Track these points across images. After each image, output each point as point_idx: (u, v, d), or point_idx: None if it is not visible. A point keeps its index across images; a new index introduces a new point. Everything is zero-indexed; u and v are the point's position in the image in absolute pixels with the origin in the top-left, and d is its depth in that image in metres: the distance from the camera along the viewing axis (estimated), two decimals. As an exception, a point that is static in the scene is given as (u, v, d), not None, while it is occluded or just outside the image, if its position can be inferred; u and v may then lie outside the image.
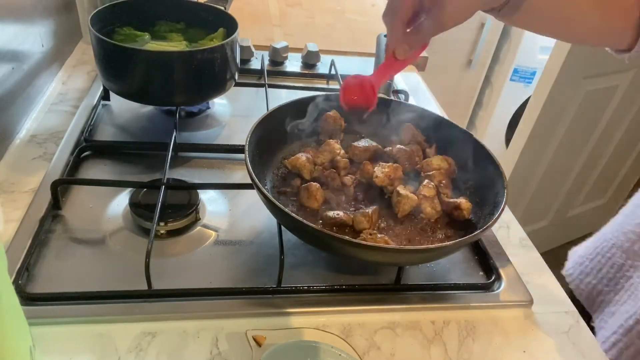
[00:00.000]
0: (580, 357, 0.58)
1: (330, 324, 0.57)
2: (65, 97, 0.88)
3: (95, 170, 0.74)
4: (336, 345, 0.53)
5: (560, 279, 0.77)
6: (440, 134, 0.74)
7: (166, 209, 0.64)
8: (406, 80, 1.10)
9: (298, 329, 0.55)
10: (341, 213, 0.61)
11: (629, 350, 0.64)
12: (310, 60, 1.08)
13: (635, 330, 0.64)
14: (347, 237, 0.52)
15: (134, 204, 0.65)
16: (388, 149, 0.72)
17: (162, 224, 0.63)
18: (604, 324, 0.70)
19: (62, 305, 0.53)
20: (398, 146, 0.71)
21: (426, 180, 0.66)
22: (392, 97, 0.80)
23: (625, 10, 0.56)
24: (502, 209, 0.59)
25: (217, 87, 0.80)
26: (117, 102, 0.87)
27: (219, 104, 0.93)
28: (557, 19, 0.57)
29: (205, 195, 0.70)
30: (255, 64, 1.04)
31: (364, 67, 1.09)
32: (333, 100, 0.73)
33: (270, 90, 0.91)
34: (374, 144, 0.72)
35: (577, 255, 0.81)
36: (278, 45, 1.06)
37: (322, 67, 1.08)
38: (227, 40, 0.76)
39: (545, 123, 1.63)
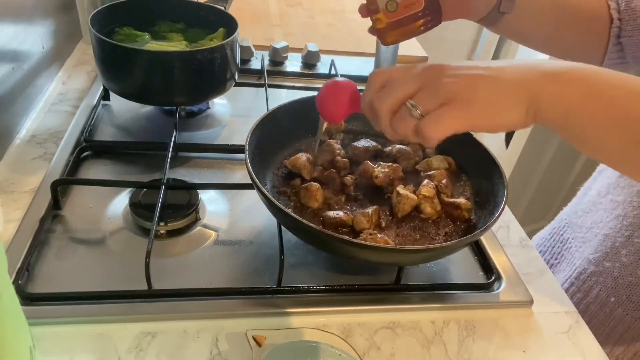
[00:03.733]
0: (580, 357, 0.58)
1: (330, 324, 0.57)
2: (65, 97, 0.88)
3: (95, 170, 0.74)
4: (336, 345, 0.53)
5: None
6: (440, 134, 0.74)
7: (166, 209, 0.64)
8: (406, 80, 1.10)
9: (298, 329, 0.55)
10: (341, 213, 0.61)
11: None
12: (310, 60, 1.08)
13: (569, 292, 0.76)
14: (347, 237, 0.52)
15: (134, 204, 0.65)
16: (388, 149, 0.72)
17: (162, 224, 0.63)
18: None
19: (62, 305, 0.53)
20: (398, 146, 0.71)
21: (426, 180, 0.66)
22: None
23: (597, 33, 0.63)
24: (502, 209, 0.59)
25: (217, 87, 0.80)
26: (117, 102, 0.87)
27: (219, 104, 0.93)
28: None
29: (205, 195, 0.70)
30: (255, 64, 1.04)
31: (364, 67, 1.09)
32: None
33: (270, 90, 0.91)
34: (374, 144, 0.72)
35: (539, 236, 0.92)
36: (278, 45, 1.06)
37: (322, 67, 1.08)
38: (227, 40, 0.76)
39: (545, 123, 1.63)
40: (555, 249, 0.84)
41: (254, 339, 0.52)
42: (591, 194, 0.81)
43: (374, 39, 0.91)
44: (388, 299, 0.60)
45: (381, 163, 0.68)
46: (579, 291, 0.75)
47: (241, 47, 1.02)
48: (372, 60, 0.88)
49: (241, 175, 0.76)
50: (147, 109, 0.88)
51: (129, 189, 0.69)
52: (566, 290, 0.76)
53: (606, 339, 0.70)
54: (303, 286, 0.59)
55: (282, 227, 0.61)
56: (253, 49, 1.06)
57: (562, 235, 0.84)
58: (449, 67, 0.44)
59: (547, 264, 0.84)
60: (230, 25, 0.82)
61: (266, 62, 1.04)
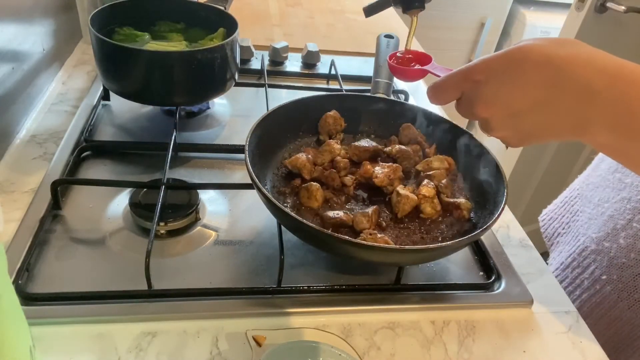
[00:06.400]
0: (580, 357, 0.58)
1: (330, 324, 0.57)
2: (65, 97, 0.88)
3: (95, 170, 0.74)
4: (336, 345, 0.53)
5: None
6: (440, 134, 0.74)
7: (166, 209, 0.64)
8: (406, 80, 1.10)
9: (298, 329, 0.55)
10: (341, 213, 0.61)
11: (564, 283, 0.79)
12: (310, 60, 1.08)
13: (570, 267, 0.79)
14: (347, 237, 0.52)
15: (134, 204, 0.65)
16: (388, 149, 0.72)
17: (162, 224, 0.63)
18: (553, 261, 0.85)
19: (62, 305, 0.53)
20: (398, 146, 0.71)
21: (426, 180, 0.66)
22: (392, 97, 0.80)
23: None
24: (502, 209, 0.59)
25: (217, 87, 0.80)
26: (117, 102, 0.87)
27: (219, 104, 0.93)
28: None
29: (205, 195, 0.70)
30: (255, 64, 1.04)
31: (364, 67, 1.09)
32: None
33: (270, 90, 0.91)
34: (374, 144, 0.72)
35: (551, 204, 0.94)
36: (278, 45, 1.06)
37: (322, 67, 1.08)
38: (227, 40, 0.76)
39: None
40: (565, 219, 0.85)
41: (254, 339, 0.52)
42: (603, 167, 0.81)
43: (374, 38, 0.91)
44: (388, 299, 0.60)
45: (381, 163, 0.68)
46: (578, 266, 0.77)
47: (241, 47, 1.02)
48: (372, 60, 0.88)
49: (241, 175, 0.76)
50: (147, 109, 0.88)
51: (129, 189, 0.69)
52: (568, 265, 0.79)
53: (590, 312, 0.71)
54: (303, 286, 0.59)
55: (282, 227, 0.61)
56: (253, 49, 1.06)
57: (572, 205, 0.85)
58: (499, 110, 0.48)
59: (555, 232, 0.87)
60: (230, 25, 0.82)
61: (266, 62, 1.04)
